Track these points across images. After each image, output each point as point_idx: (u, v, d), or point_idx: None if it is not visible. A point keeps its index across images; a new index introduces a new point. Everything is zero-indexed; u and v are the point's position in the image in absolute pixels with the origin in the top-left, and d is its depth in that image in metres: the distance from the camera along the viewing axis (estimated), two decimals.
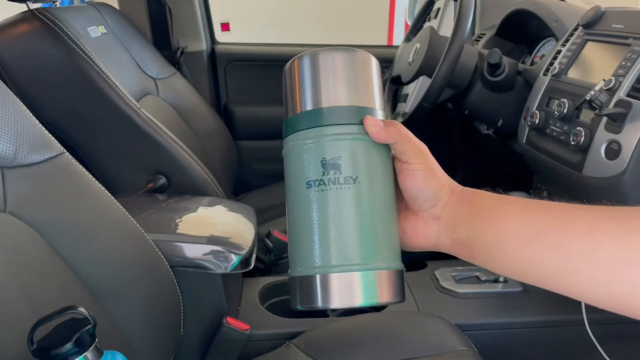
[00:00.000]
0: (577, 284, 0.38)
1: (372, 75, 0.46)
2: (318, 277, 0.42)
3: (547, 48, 1.38)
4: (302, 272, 0.43)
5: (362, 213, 0.42)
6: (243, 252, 0.92)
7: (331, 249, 0.42)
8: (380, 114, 0.45)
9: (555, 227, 0.39)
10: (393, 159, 0.46)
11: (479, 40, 1.56)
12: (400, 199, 0.47)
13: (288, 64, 0.47)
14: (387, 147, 0.45)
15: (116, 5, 1.68)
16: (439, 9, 1.60)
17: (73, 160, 0.74)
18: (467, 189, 0.46)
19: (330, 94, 0.44)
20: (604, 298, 0.37)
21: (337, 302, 0.42)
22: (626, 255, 0.35)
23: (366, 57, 0.46)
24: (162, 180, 1.23)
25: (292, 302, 0.45)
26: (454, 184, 0.47)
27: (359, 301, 0.42)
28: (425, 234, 0.46)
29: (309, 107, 0.44)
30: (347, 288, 0.42)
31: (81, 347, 0.50)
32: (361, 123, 0.44)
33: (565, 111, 1.00)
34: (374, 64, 0.47)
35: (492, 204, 0.43)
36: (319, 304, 0.42)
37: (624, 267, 0.35)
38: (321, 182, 0.42)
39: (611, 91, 0.91)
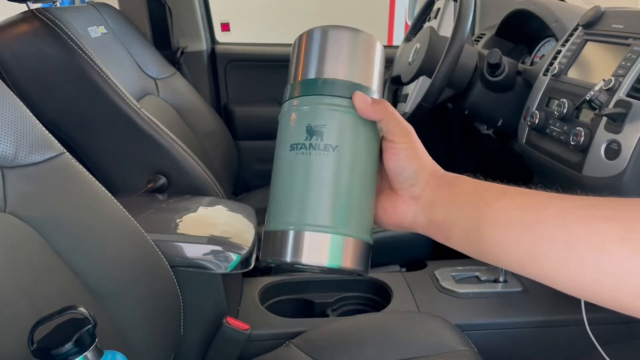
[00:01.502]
0: (549, 270, 0.39)
1: (374, 57, 0.48)
2: (291, 232, 0.44)
3: (547, 48, 1.38)
4: (277, 227, 0.45)
5: (337, 180, 0.44)
6: (243, 252, 0.92)
7: (307, 209, 0.44)
8: (375, 93, 0.47)
9: (529, 214, 0.40)
10: (381, 138, 0.48)
11: (479, 40, 1.57)
12: (383, 178, 0.48)
13: (299, 35, 0.49)
14: (374, 124, 0.47)
15: (116, 5, 1.68)
16: (439, 9, 1.60)
17: (73, 161, 0.74)
18: (449, 173, 0.48)
19: (329, 67, 0.46)
20: (574, 285, 0.38)
21: (305, 258, 0.44)
22: (596, 244, 0.36)
23: (371, 40, 0.49)
24: (162, 180, 1.23)
25: (262, 255, 0.47)
26: (437, 166, 0.48)
27: (325, 261, 0.44)
28: (404, 213, 0.48)
29: (307, 76, 0.47)
30: (317, 247, 0.44)
31: (81, 347, 0.50)
32: (352, 97, 0.46)
33: (565, 111, 1.00)
34: (378, 47, 0.49)
35: (471, 189, 0.45)
36: (288, 258, 0.44)
37: (594, 255, 0.36)
38: (303, 146, 0.45)
39: (611, 91, 0.91)
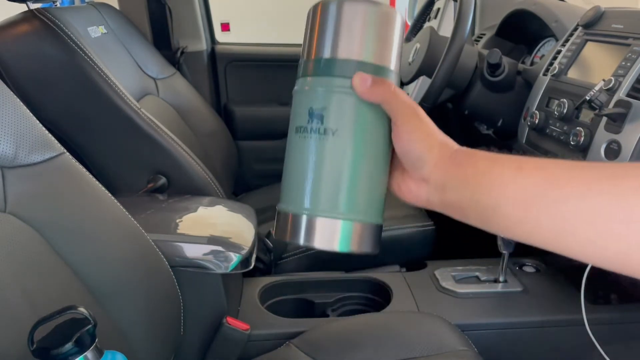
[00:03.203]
0: (575, 245, 0.38)
1: (390, 32, 0.45)
2: (304, 217, 0.44)
3: (547, 48, 1.38)
4: (290, 209, 0.45)
5: (340, 166, 0.44)
6: (243, 252, 0.92)
7: (317, 194, 0.44)
8: (388, 72, 0.45)
9: (550, 189, 0.38)
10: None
11: (479, 40, 1.56)
12: (396, 157, 0.47)
13: (313, 5, 0.47)
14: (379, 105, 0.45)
15: (116, 5, 1.68)
16: (439, 9, 1.60)
17: (73, 161, 0.74)
18: (461, 149, 0.45)
19: (331, 45, 0.44)
20: (602, 258, 0.37)
21: (318, 243, 0.44)
22: (622, 216, 0.35)
23: (389, 12, 0.45)
24: (162, 180, 1.23)
25: (276, 233, 0.47)
26: (447, 144, 0.45)
27: (336, 247, 0.44)
28: (417, 194, 0.46)
29: (311, 55, 0.45)
30: (329, 233, 0.44)
31: (81, 347, 0.50)
32: (347, 76, 0.43)
33: (565, 111, 1.00)
34: (397, 20, 0.45)
35: (485, 167, 0.43)
36: (302, 241, 0.45)
37: (620, 227, 0.35)
38: (304, 130, 0.44)
39: (611, 91, 0.91)
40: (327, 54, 0.44)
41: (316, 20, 0.45)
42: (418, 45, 1.35)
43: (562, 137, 1.02)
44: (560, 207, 0.38)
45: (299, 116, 0.45)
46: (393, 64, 0.46)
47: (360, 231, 0.45)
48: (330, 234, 0.44)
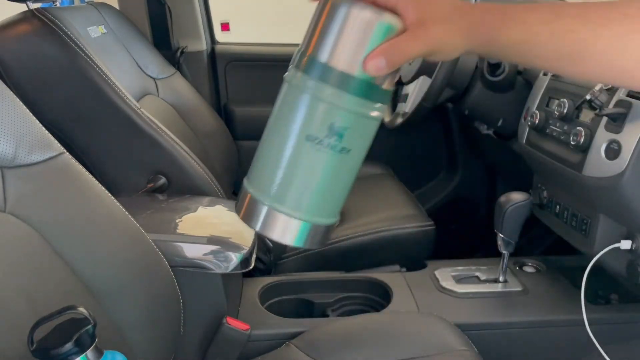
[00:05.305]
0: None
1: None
2: (270, 210, 0.45)
3: None
4: (256, 195, 0.46)
5: (335, 179, 0.45)
6: (243, 252, 0.92)
7: (291, 193, 0.44)
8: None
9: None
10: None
11: None
12: None
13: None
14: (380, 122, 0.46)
15: (116, 5, 1.68)
16: None
17: (73, 160, 0.74)
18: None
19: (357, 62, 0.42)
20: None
21: (274, 235, 0.46)
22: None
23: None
24: (162, 180, 1.23)
25: (236, 208, 0.49)
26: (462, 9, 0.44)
27: (290, 242, 0.46)
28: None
29: (340, 65, 0.42)
30: (286, 229, 0.45)
31: (81, 347, 0.50)
32: (384, 103, 0.44)
33: (565, 111, 1.00)
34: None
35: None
36: (258, 228, 0.46)
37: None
38: (319, 142, 0.43)
39: (611, 91, 0.91)
40: (361, 72, 0.42)
41: (345, 22, 0.42)
42: None
43: (562, 137, 1.02)
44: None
45: (314, 125, 0.43)
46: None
47: (321, 231, 0.46)
48: (291, 230, 0.45)
